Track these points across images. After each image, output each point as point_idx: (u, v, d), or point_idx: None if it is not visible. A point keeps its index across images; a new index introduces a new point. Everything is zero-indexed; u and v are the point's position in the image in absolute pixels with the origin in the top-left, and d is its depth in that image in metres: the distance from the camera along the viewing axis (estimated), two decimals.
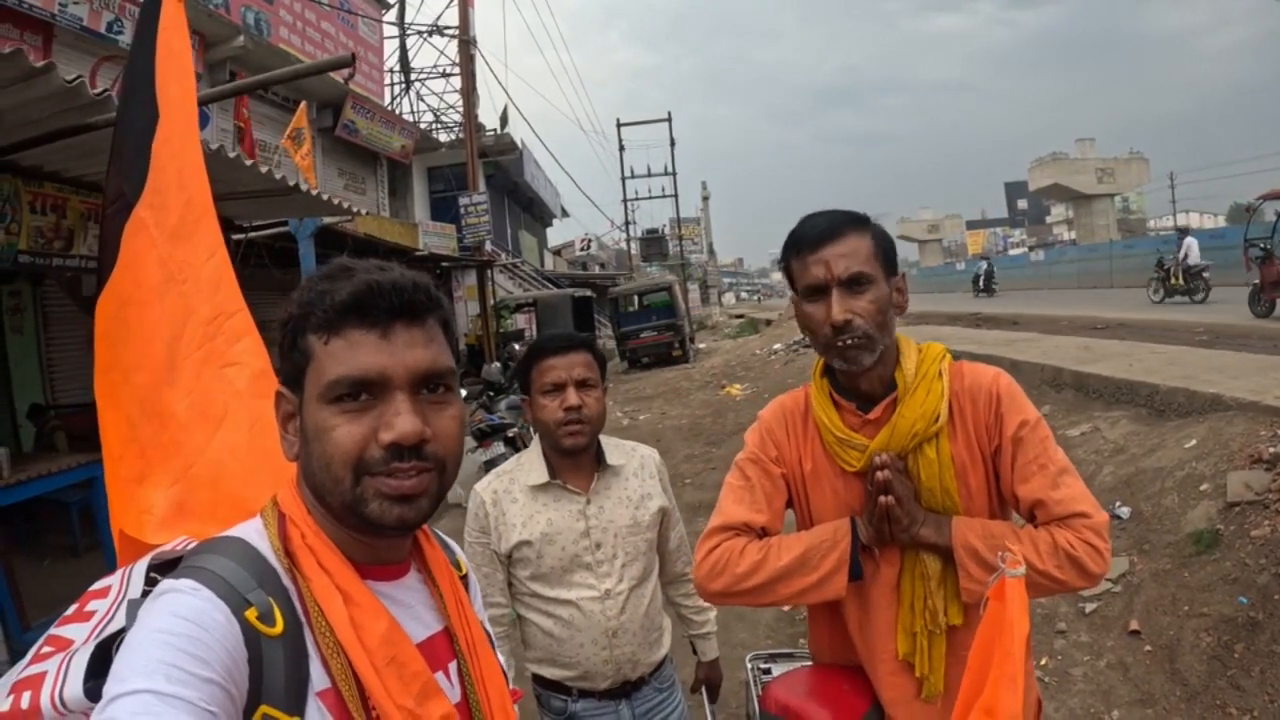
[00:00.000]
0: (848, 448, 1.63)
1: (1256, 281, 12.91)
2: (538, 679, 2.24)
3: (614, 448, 2.26)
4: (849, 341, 1.55)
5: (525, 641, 2.23)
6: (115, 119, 1.94)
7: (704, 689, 2.47)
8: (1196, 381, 6.06)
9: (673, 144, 42.50)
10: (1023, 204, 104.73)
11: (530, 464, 2.20)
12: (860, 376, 1.62)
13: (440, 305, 1.02)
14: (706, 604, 2.40)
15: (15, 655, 4.16)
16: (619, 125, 43.22)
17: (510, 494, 2.17)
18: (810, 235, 1.60)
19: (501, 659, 2.17)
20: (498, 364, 12.96)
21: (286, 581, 0.94)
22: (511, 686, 1.24)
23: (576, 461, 2.17)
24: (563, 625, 2.12)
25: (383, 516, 0.93)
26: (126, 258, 1.71)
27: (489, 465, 7.97)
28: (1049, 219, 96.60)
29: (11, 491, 5.11)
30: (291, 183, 5.84)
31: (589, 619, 2.10)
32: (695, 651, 2.46)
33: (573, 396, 2.07)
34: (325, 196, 6.58)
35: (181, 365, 1.61)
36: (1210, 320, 12.17)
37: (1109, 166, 60.10)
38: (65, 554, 6.21)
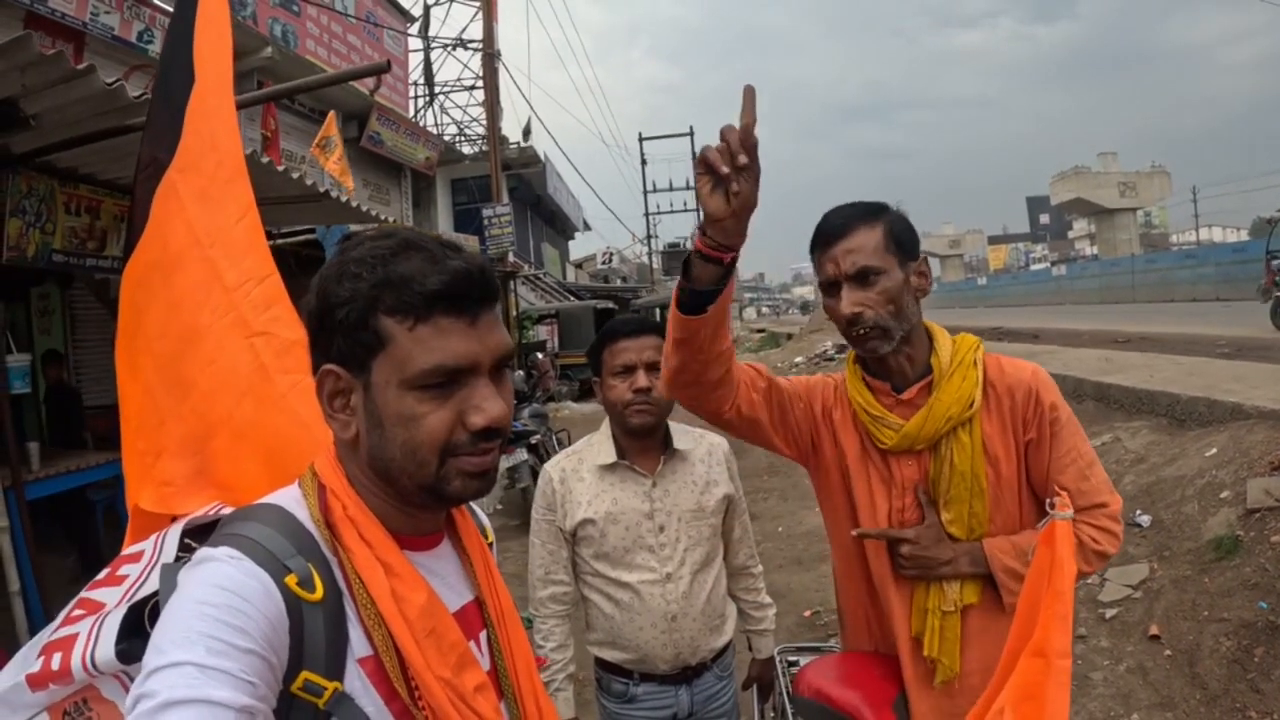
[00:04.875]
0: (881, 425, 1.68)
1: (1279, 294, 12.81)
2: (599, 662, 2.26)
3: (683, 434, 2.28)
4: (861, 332, 1.62)
5: (588, 624, 2.25)
6: (153, 88, 1.89)
7: (755, 686, 2.44)
8: (1217, 391, 6.05)
9: (695, 158, 42.06)
10: (1045, 219, 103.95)
11: (599, 445, 2.23)
12: (889, 361, 1.68)
13: (499, 287, 1.05)
14: (766, 600, 2.41)
15: None
16: (641, 139, 43.08)
17: (578, 473, 2.21)
18: (822, 233, 1.67)
19: (559, 635, 2.17)
20: (520, 373, 13.05)
21: (326, 551, 0.93)
22: (540, 655, 1.24)
23: (644, 444, 2.20)
24: (622, 608, 2.14)
25: (463, 492, 0.95)
26: (156, 220, 1.66)
27: (511, 472, 8.02)
28: (1071, 234, 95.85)
29: (40, 485, 5.24)
30: (321, 189, 5.92)
31: (646, 603, 2.12)
32: (751, 648, 2.44)
33: (642, 379, 2.10)
34: (354, 204, 6.67)
35: (205, 333, 1.53)
36: (1233, 333, 12.09)
37: (1131, 180, 59.64)
38: (89, 552, 6.28)
